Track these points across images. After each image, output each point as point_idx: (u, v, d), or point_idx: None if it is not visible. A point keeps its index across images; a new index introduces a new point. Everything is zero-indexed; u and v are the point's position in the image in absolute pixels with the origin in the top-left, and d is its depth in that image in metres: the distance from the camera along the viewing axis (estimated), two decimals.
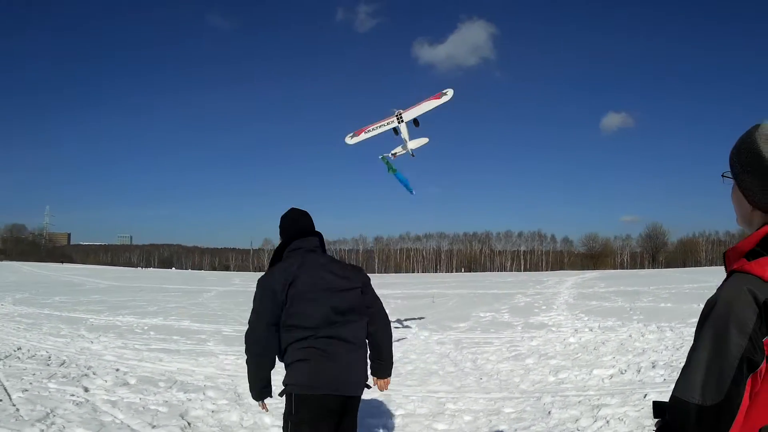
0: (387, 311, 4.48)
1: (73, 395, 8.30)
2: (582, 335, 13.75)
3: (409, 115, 15.66)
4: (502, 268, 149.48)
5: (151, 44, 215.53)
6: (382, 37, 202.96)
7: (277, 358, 4.21)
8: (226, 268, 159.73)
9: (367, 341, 4.30)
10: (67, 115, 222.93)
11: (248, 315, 4.15)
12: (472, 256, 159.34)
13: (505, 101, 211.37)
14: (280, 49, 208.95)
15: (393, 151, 16.03)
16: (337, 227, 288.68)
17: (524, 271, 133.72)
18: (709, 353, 1.71)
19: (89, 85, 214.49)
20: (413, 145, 15.80)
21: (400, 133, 15.65)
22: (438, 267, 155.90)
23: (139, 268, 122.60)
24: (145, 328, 16.53)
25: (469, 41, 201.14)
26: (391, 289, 38.12)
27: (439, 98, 15.74)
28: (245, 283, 50.92)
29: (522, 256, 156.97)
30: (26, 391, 8.41)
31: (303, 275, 4.05)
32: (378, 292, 4.44)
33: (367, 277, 4.38)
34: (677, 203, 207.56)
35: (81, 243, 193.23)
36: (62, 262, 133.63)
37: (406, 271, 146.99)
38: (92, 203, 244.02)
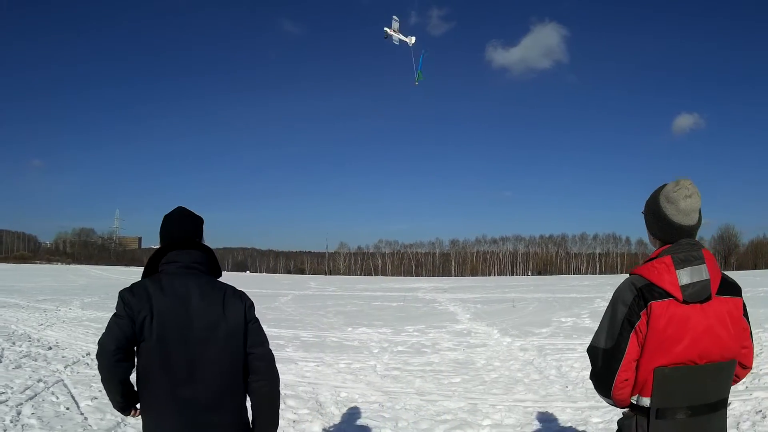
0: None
1: None
2: None
3: (400, 33, 29.42)
4: (578, 271, 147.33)
5: (220, 48, 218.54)
6: (455, 40, 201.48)
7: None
8: (301, 272, 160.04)
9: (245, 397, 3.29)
10: (137, 118, 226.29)
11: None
12: (548, 259, 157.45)
13: (577, 103, 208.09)
14: (351, 53, 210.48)
15: (399, 38, 29.87)
16: (413, 231, 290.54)
17: (599, 273, 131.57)
18: (608, 318, 2.87)
19: (160, 88, 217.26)
20: (410, 40, 29.53)
21: (397, 36, 29.62)
22: (514, 270, 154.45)
23: None
24: None
25: (541, 44, 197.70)
26: (470, 293, 37.83)
27: (410, 40, 29.65)
28: (321, 287, 51.00)
29: (597, 259, 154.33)
30: (95, 399, 8.19)
31: (164, 306, 3.08)
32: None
33: (252, 309, 3.33)
34: (749, 204, 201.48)
35: (153, 246, 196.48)
36: (126, 265, 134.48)
37: (482, 274, 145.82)
38: (163, 207, 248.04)
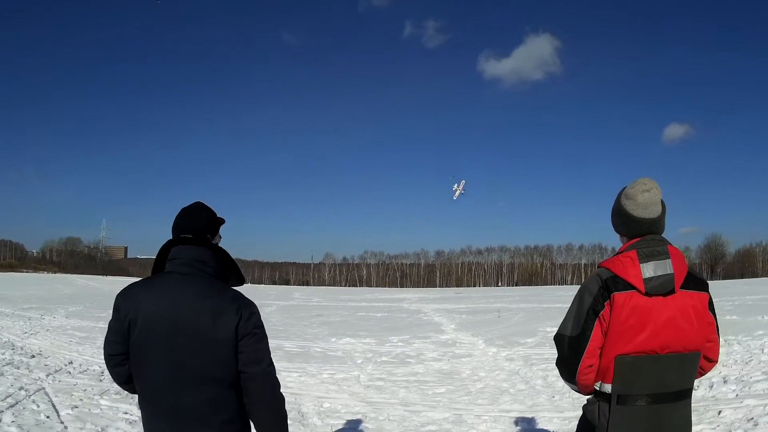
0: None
1: (126, 413, 7.85)
2: None
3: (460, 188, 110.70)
4: (563, 282, 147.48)
5: (209, 58, 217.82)
6: (449, 51, 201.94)
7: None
8: (287, 282, 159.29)
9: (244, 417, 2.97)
10: (126, 127, 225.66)
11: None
12: (533, 270, 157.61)
13: (567, 112, 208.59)
14: (348, 64, 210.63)
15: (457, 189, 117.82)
16: (399, 241, 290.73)
17: None
18: (575, 307, 2.99)
19: (149, 97, 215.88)
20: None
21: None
22: (500, 281, 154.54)
23: None
24: None
25: (534, 55, 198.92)
26: (455, 303, 37.75)
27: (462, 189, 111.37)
28: (306, 298, 50.91)
29: (583, 269, 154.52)
30: (76, 407, 7.99)
31: (151, 308, 2.80)
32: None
33: (251, 322, 2.98)
34: (737, 213, 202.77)
35: (138, 257, 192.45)
36: (113, 275, 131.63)
37: (468, 285, 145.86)
38: (150, 216, 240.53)
